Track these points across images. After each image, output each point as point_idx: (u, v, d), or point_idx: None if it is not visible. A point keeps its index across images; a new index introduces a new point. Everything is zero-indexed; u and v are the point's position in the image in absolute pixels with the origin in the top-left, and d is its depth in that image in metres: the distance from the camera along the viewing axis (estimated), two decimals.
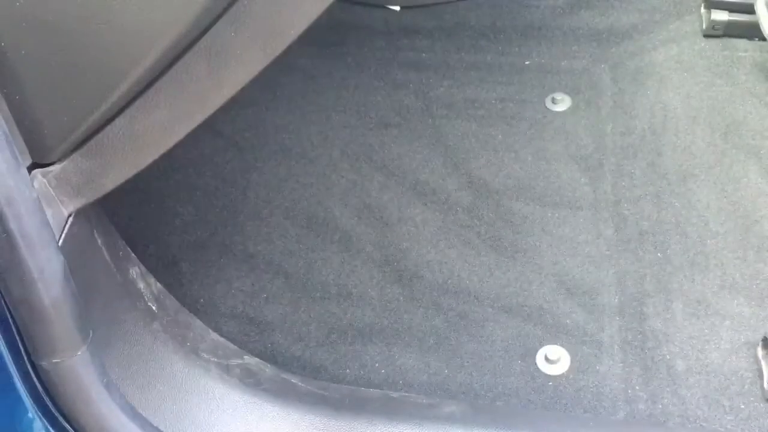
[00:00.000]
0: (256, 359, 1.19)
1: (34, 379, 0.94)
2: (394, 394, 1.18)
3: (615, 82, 1.69)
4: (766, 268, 1.34)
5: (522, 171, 1.56)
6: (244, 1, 0.79)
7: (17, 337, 0.91)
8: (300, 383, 1.15)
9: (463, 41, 1.81)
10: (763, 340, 1.24)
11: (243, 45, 0.81)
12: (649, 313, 1.32)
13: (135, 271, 1.14)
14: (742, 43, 1.66)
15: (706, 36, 1.68)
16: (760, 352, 1.23)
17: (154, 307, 1.13)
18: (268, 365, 1.18)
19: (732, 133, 1.53)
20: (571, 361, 1.28)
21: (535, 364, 1.28)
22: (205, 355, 1.14)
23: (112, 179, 0.91)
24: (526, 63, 1.76)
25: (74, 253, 0.93)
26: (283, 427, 1.07)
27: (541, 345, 1.30)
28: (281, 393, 1.12)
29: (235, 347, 1.20)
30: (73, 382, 0.94)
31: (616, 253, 1.41)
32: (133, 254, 1.15)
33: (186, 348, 1.12)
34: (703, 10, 1.68)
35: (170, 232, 1.49)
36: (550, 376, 1.27)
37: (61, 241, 0.92)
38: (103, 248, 1.05)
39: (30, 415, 0.95)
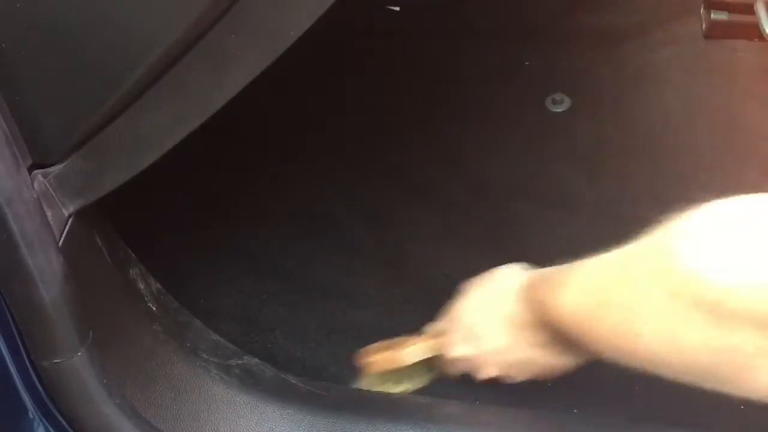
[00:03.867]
0: (256, 360, 1.18)
1: (35, 379, 0.94)
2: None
3: (615, 83, 1.68)
4: None
5: (522, 171, 1.56)
6: (244, 2, 0.79)
7: (17, 337, 0.91)
8: (300, 384, 1.15)
9: (463, 42, 1.81)
10: None
11: (243, 46, 0.81)
12: None
13: (135, 271, 1.14)
14: (742, 43, 1.66)
15: (706, 37, 1.68)
16: None
17: (154, 308, 1.13)
18: (268, 366, 1.17)
19: (732, 134, 1.53)
20: None
21: None
22: (205, 356, 1.14)
23: (113, 180, 0.91)
24: (526, 63, 1.76)
25: (74, 253, 0.93)
26: (283, 427, 1.07)
27: None
28: (281, 393, 1.12)
29: (235, 347, 1.20)
30: (73, 383, 0.94)
31: None
32: (133, 254, 1.15)
33: (186, 348, 1.12)
34: (702, 10, 1.68)
35: (170, 232, 1.49)
36: None
37: (61, 241, 0.91)
38: (104, 249, 1.05)
39: (30, 415, 0.95)
